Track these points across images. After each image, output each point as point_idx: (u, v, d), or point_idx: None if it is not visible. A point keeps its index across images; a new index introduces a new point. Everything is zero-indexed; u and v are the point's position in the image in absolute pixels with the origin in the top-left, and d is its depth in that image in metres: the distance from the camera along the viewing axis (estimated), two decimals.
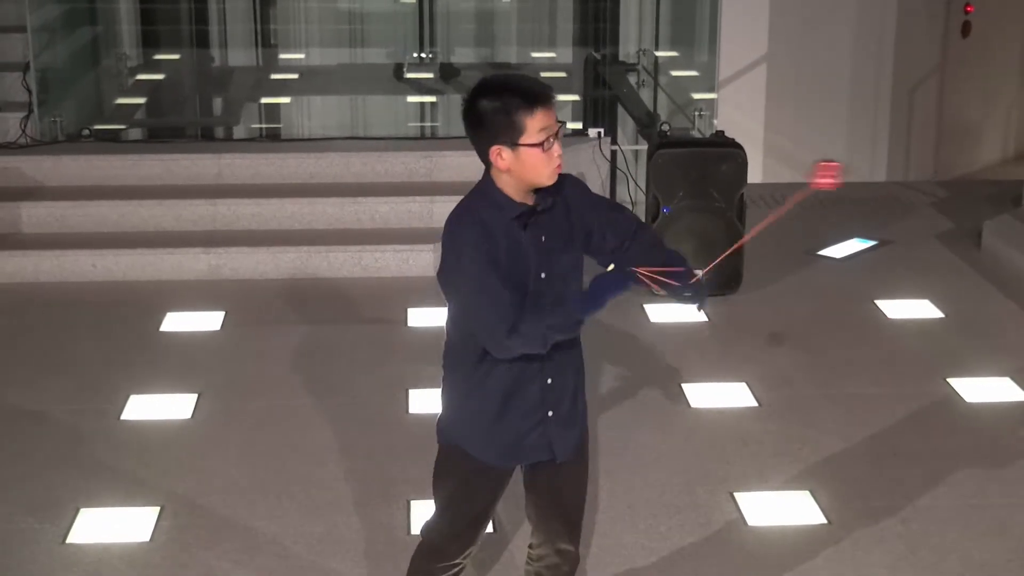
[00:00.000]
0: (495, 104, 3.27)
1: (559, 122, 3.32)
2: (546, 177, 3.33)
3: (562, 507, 3.68)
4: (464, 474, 3.58)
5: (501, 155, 3.29)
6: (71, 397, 5.82)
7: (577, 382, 3.57)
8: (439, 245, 3.43)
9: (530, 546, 3.79)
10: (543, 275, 3.40)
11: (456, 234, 3.34)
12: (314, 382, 5.98)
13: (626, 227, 3.57)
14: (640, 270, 3.38)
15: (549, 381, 3.49)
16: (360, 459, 5.23)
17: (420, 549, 3.70)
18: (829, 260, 7.71)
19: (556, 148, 3.30)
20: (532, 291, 3.39)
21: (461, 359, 3.48)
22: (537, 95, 3.26)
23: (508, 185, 3.34)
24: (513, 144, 3.27)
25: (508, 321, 3.28)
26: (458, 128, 8.31)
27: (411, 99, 9.53)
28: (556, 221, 3.43)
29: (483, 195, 3.38)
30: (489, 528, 4.63)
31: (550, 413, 3.51)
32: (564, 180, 3.47)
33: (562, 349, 3.45)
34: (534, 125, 3.26)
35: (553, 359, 3.45)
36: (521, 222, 3.36)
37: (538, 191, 3.37)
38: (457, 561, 3.64)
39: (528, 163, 3.29)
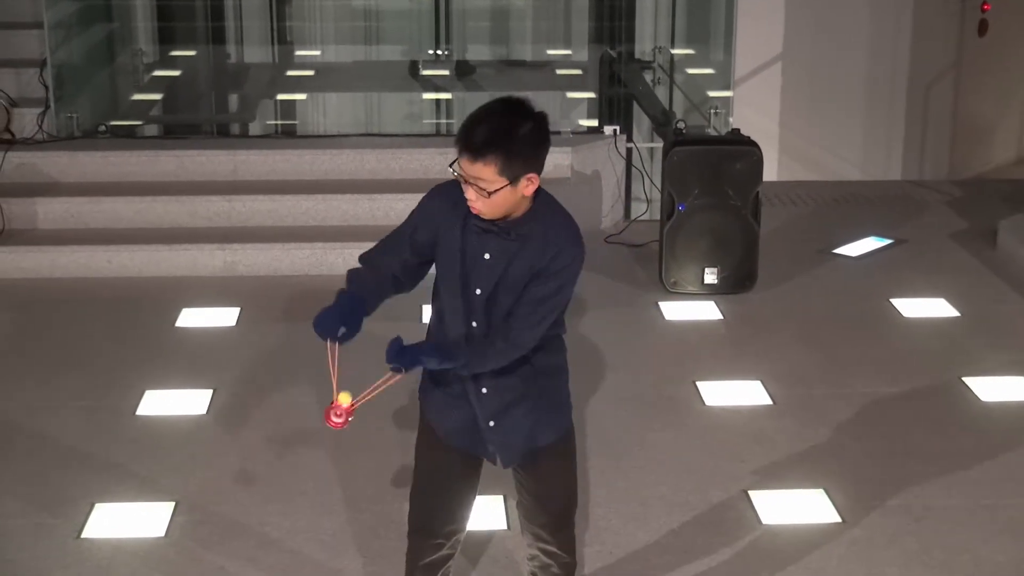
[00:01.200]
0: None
1: (490, 189, 3.23)
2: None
3: (546, 511, 3.68)
4: (427, 445, 3.63)
5: None
6: (86, 393, 5.84)
7: (526, 394, 3.50)
8: None
9: (527, 545, 3.80)
10: (478, 291, 3.38)
11: (428, 193, 3.47)
12: (327, 379, 5.96)
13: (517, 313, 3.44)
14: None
15: (484, 391, 3.47)
16: (372, 456, 5.23)
17: (407, 534, 3.72)
18: (844, 258, 7.70)
19: (469, 192, 3.27)
20: (463, 301, 3.39)
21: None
22: (460, 138, 3.24)
23: None
24: None
25: (373, 250, 3.50)
26: None
27: (426, 96, 9.53)
28: (516, 260, 3.35)
29: None
30: (503, 524, 4.66)
31: (491, 423, 3.50)
32: (553, 240, 3.35)
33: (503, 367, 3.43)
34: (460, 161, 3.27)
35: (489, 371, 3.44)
36: (477, 227, 3.35)
37: (515, 220, 3.34)
38: (439, 540, 3.63)
39: None
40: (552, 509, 3.68)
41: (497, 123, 3.22)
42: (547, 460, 3.61)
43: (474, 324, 3.41)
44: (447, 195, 3.41)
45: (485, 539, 4.58)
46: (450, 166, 3.29)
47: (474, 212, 3.31)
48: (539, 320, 3.36)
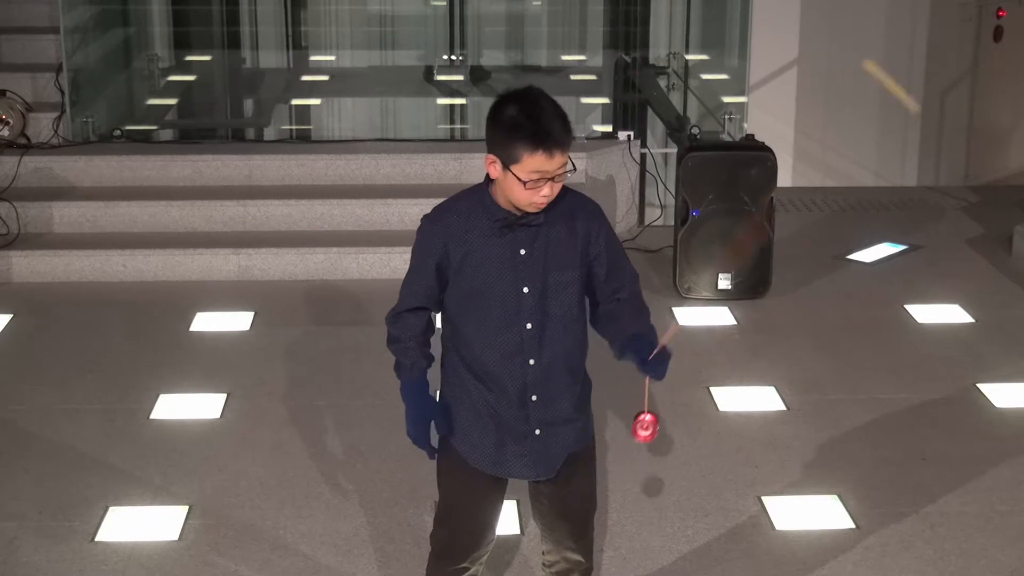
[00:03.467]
0: (511, 120, 3.23)
1: (569, 169, 3.25)
2: (524, 205, 3.30)
3: (568, 517, 3.65)
4: (456, 472, 3.57)
5: (493, 164, 3.30)
6: (101, 396, 5.85)
7: (572, 400, 3.50)
8: None
9: (543, 552, 3.78)
10: (525, 289, 3.36)
11: (421, 225, 3.49)
12: (342, 383, 5.99)
13: (617, 284, 3.49)
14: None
15: (534, 398, 3.43)
16: (387, 460, 5.23)
17: (430, 555, 3.70)
18: (859, 264, 7.69)
19: (545, 189, 3.25)
20: (513, 304, 3.36)
21: (449, 348, 3.52)
22: (548, 140, 3.20)
23: (498, 192, 3.35)
24: (504, 164, 3.26)
25: (401, 306, 3.46)
26: None
27: (441, 101, 9.54)
28: (551, 239, 3.38)
29: (474, 193, 3.40)
30: (516, 530, 4.66)
31: (537, 432, 3.46)
32: (574, 204, 3.42)
33: (555, 369, 3.42)
34: (530, 164, 3.22)
35: (541, 374, 3.41)
36: (499, 227, 3.35)
37: None
38: (464, 565, 3.62)
39: (509, 186, 3.29)
40: (577, 516, 3.66)
41: (554, 108, 3.26)
42: (575, 467, 3.58)
43: (529, 326, 3.38)
44: (440, 220, 3.44)
45: (499, 544, 4.58)
46: (525, 183, 3.25)
47: (537, 209, 3.31)
48: (630, 269, 3.52)
